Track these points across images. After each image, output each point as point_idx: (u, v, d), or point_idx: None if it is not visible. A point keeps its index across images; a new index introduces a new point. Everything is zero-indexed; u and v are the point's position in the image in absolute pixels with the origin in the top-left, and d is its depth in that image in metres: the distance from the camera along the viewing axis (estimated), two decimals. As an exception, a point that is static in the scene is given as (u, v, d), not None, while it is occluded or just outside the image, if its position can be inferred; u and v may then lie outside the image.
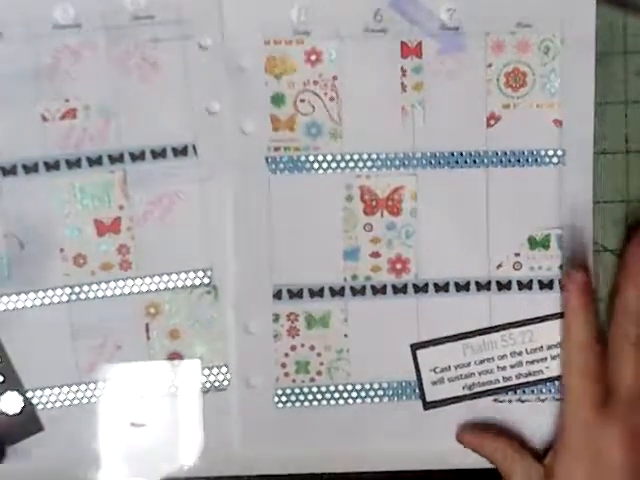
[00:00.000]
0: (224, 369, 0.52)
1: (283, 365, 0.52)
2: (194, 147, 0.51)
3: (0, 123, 0.50)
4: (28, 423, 0.51)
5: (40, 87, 0.51)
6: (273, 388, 0.52)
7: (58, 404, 0.52)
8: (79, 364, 0.52)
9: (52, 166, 0.51)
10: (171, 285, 0.52)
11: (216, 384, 0.52)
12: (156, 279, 0.52)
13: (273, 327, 0.52)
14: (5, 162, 0.51)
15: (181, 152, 0.51)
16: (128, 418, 0.52)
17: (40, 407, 0.52)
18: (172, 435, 0.52)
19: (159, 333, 0.52)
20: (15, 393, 0.51)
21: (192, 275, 0.52)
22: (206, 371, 0.52)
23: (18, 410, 0.51)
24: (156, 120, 0.51)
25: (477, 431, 0.52)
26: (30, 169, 0.51)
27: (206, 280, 0.52)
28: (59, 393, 0.52)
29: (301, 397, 0.52)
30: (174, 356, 0.52)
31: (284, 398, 0.52)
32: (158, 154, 0.51)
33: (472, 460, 0.52)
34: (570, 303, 0.50)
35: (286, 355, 0.52)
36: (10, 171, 0.51)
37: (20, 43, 0.50)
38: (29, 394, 0.51)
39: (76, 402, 0.52)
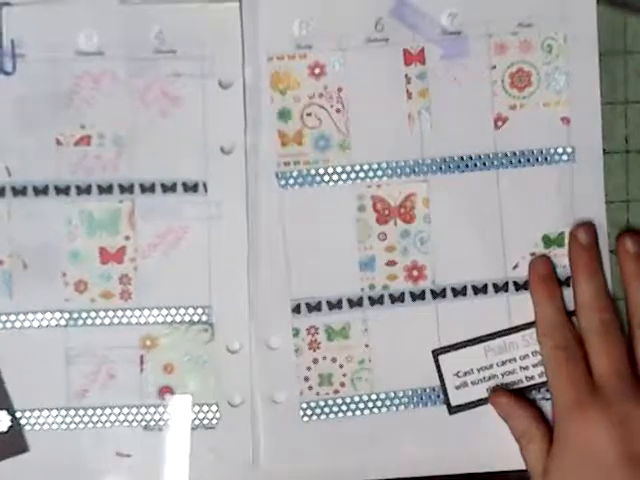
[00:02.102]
0: (214, 407, 0.52)
1: (306, 379, 0.52)
2: (204, 184, 0.51)
3: (15, 143, 0.51)
4: (14, 443, 0.51)
5: (57, 111, 0.51)
6: (298, 403, 0.52)
7: (46, 427, 0.51)
8: (70, 389, 0.51)
9: (62, 190, 0.51)
10: (169, 319, 0.52)
11: (205, 422, 0.52)
12: (155, 312, 0.52)
13: (294, 342, 0.52)
14: (16, 182, 0.51)
15: (191, 188, 0.51)
16: (114, 447, 0.52)
17: (27, 428, 0.51)
18: (156, 468, 0.51)
19: (153, 366, 0.52)
20: (4, 412, 0.51)
21: (191, 311, 0.52)
22: (196, 408, 0.52)
23: (5, 429, 0.51)
24: (169, 154, 0.51)
25: (510, 396, 0.51)
26: (40, 191, 0.51)
27: (204, 318, 0.52)
28: (47, 416, 0.51)
29: (326, 410, 0.52)
30: (166, 390, 0.52)
31: (309, 412, 0.52)
32: (168, 188, 0.51)
33: (501, 463, 0.52)
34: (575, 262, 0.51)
35: (308, 369, 0.52)
36: (20, 191, 0.51)
37: (42, 66, 0.50)
38: (18, 414, 0.51)
39: (64, 426, 0.51)
